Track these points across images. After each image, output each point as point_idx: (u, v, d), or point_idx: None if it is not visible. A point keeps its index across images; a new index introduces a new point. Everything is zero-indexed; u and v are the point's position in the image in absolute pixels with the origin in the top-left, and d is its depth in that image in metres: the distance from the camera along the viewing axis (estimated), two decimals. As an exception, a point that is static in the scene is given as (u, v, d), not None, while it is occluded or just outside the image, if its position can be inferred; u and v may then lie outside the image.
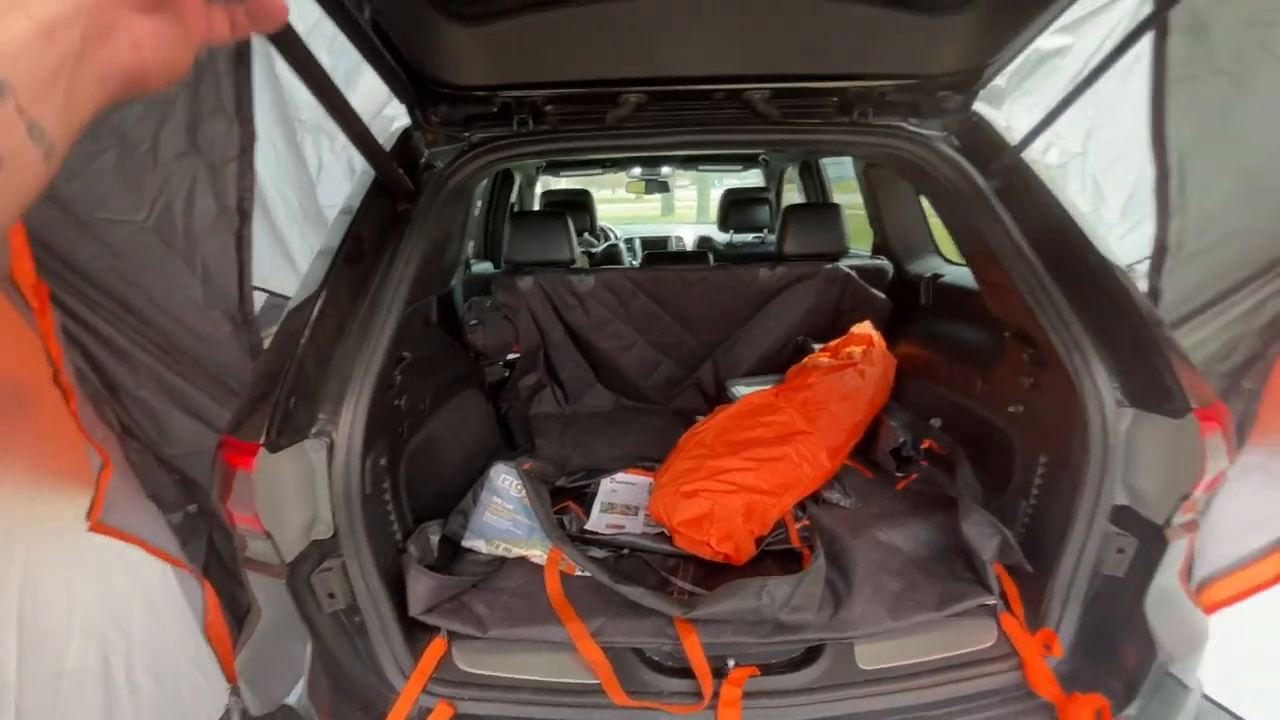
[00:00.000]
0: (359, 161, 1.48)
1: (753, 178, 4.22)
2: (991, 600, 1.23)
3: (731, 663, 1.15)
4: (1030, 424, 1.36)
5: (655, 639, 1.18)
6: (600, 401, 2.29)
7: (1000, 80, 1.41)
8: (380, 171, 1.28)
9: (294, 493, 1.05)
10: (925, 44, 1.29)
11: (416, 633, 1.19)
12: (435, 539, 1.37)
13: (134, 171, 1.16)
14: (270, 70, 1.74)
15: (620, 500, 1.62)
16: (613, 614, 1.20)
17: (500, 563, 1.38)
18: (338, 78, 1.03)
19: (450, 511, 1.43)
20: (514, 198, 3.29)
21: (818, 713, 1.12)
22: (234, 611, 1.49)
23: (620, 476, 1.71)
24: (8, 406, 1.14)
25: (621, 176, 4.59)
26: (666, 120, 1.50)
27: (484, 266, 2.66)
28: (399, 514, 1.32)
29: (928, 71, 1.35)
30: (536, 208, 3.67)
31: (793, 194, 3.60)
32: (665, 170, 4.03)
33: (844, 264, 2.17)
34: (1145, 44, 1.09)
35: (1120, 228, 1.43)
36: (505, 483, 1.43)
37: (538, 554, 1.36)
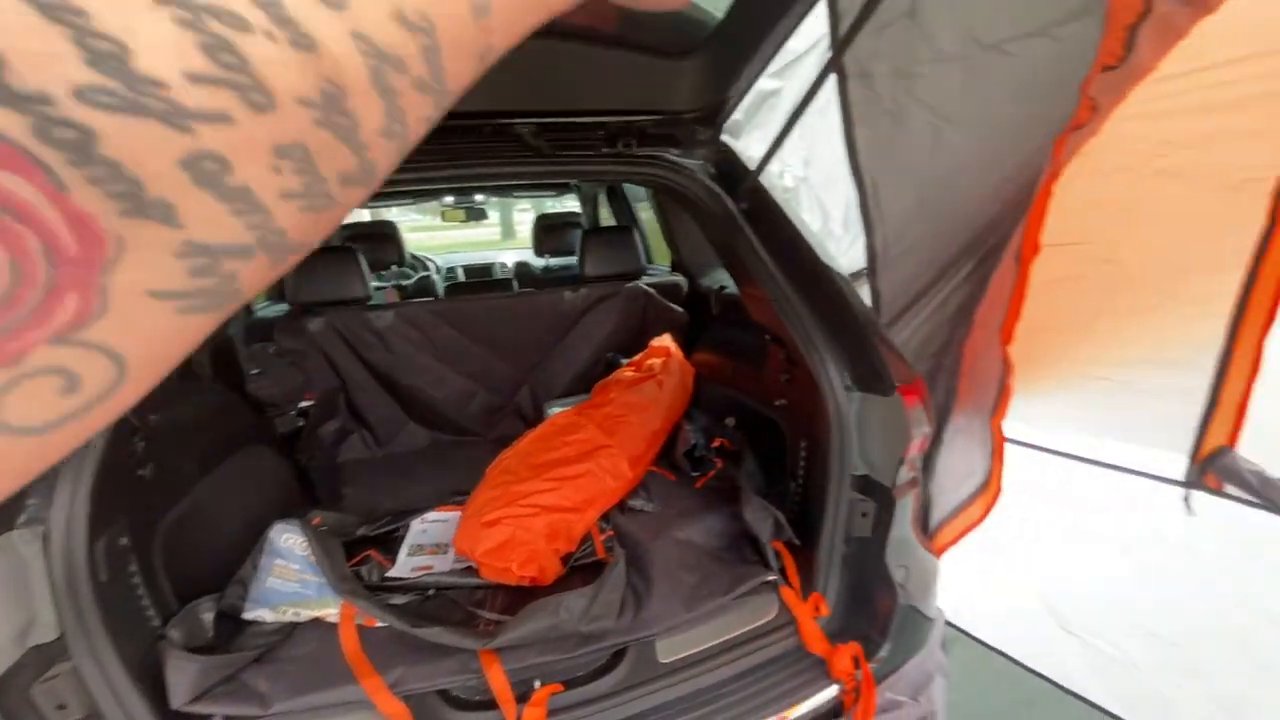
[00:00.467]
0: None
1: (571, 201, 4.35)
2: (772, 576, 1.37)
3: (538, 683, 1.17)
4: (792, 414, 1.54)
5: (459, 676, 1.16)
6: (415, 440, 2.21)
7: (739, 115, 1.61)
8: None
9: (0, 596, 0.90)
10: (667, 84, 1.43)
11: None
12: (209, 617, 1.23)
13: None
14: None
15: (430, 540, 1.58)
16: (413, 660, 1.16)
17: (291, 629, 1.28)
18: None
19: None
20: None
21: (623, 713, 1.17)
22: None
23: (431, 515, 1.66)
24: None
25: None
26: (439, 154, 1.50)
27: (277, 309, 2.45)
28: (155, 597, 1.17)
29: (673, 108, 1.49)
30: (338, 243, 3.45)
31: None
32: (479, 198, 4.00)
33: (643, 281, 2.31)
34: (833, 87, 1.31)
35: (845, 239, 1.70)
36: (288, 542, 1.33)
37: (332, 613, 1.28)
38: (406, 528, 1.61)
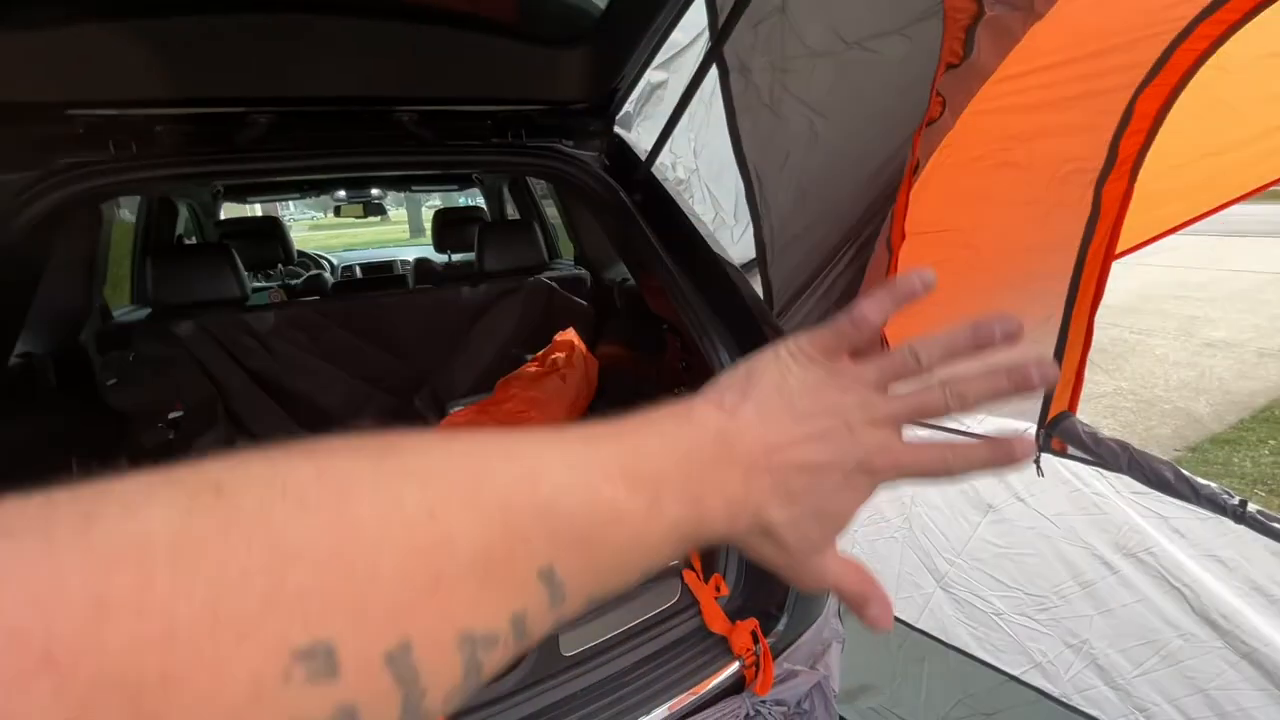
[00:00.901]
0: None
1: (476, 195, 4.23)
2: (674, 561, 1.40)
3: (436, 690, 1.13)
4: (690, 402, 1.57)
5: None
6: (308, 448, 2.08)
7: (630, 107, 1.62)
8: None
9: None
10: (554, 74, 1.42)
11: None
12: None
13: None
14: None
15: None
16: None
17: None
18: None
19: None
20: (183, 230, 2.82)
21: (528, 709, 1.16)
22: None
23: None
24: None
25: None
26: (313, 142, 1.41)
27: (139, 314, 2.23)
28: None
29: (561, 98, 1.48)
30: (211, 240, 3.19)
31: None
32: (375, 192, 3.81)
33: (547, 276, 2.28)
34: (717, 79, 1.34)
35: (737, 229, 1.76)
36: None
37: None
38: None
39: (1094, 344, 1.28)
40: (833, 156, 1.36)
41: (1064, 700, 1.36)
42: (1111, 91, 1.15)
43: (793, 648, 1.39)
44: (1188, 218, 1.48)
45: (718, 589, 1.38)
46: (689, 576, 1.39)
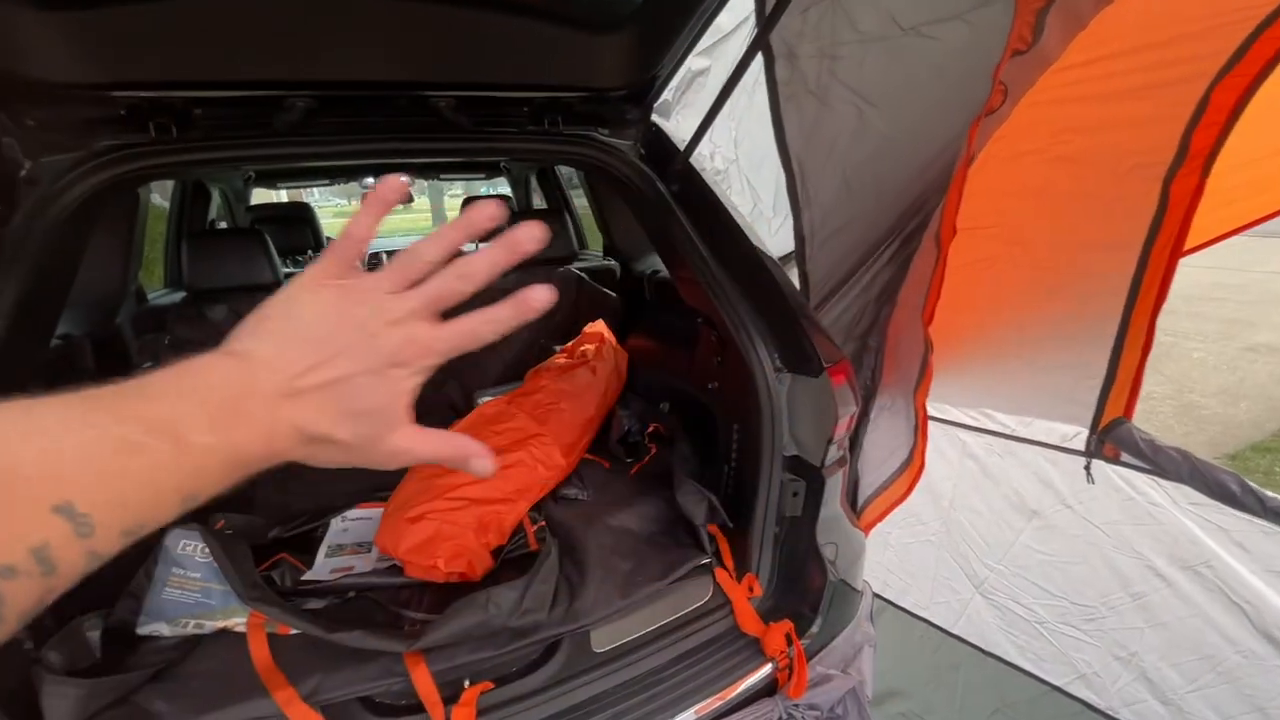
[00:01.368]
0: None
1: (502, 185, 4.21)
2: (706, 560, 1.37)
3: (467, 683, 1.12)
4: (724, 397, 1.54)
5: (383, 681, 1.10)
6: (336, 435, 2.08)
7: (668, 95, 1.58)
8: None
9: None
10: (593, 60, 1.39)
11: None
12: (95, 635, 1.11)
13: None
14: None
15: (351, 539, 1.49)
16: (332, 667, 1.09)
17: (195, 643, 1.17)
18: None
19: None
20: (215, 215, 2.84)
21: (558, 706, 1.14)
22: None
23: (352, 513, 1.57)
24: None
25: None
26: (349, 128, 1.40)
27: (172, 297, 2.25)
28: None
29: (601, 85, 1.45)
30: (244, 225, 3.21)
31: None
32: (404, 179, 3.81)
33: (576, 267, 2.25)
34: (762, 66, 1.30)
35: (775, 221, 1.71)
36: (187, 549, 1.22)
37: (240, 622, 1.18)
38: (325, 527, 1.52)
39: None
40: (881, 147, 1.31)
41: (1110, 713, 1.31)
42: (1184, 82, 1.09)
43: (826, 650, 1.36)
44: (1259, 215, 1.40)
45: (750, 589, 1.36)
46: (721, 576, 1.37)
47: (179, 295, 2.31)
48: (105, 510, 0.29)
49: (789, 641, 1.26)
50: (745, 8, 1.24)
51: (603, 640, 1.24)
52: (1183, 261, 1.23)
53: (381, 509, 1.55)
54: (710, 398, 1.59)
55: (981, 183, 1.29)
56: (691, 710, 1.19)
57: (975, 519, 1.52)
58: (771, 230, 1.68)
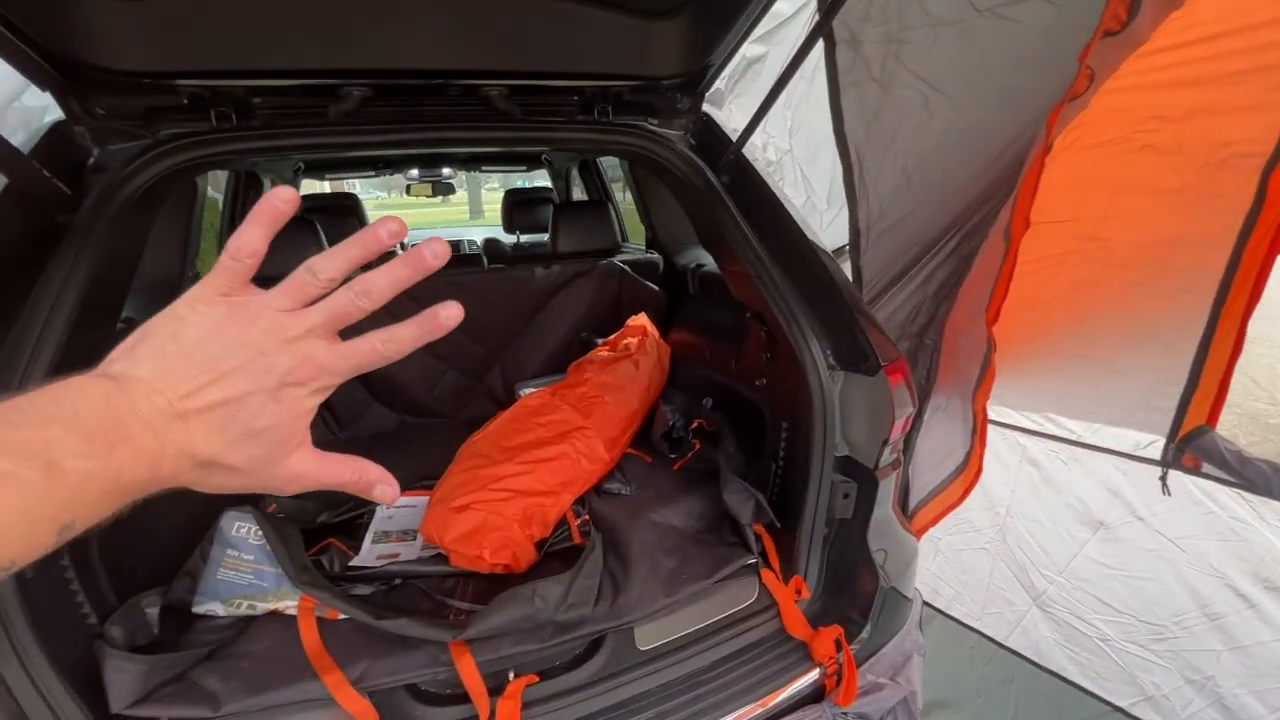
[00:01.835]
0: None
1: (540, 177, 4.22)
2: (752, 559, 1.34)
3: (512, 675, 1.12)
4: (772, 394, 1.50)
5: (429, 669, 1.10)
6: (382, 421, 2.11)
7: (721, 84, 1.55)
8: (12, 174, 1.03)
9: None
10: (646, 47, 1.36)
11: None
12: (154, 612, 1.14)
13: None
14: None
15: (397, 526, 1.50)
16: (379, 654, 1.10)
17: (246, 623, 1.19)
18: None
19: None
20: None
21: (602, 703, 1.13)
22: None
23: (398, 500, 1.59)
24: None
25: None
26: (401, 116, 1.40)
27: None
28: (91, 592, 1.07)
29: (653, 73, 1.42)
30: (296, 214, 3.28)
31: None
32: (446, 171, 3.83)
33: (618, 259, 2.23)
34: (822, 53, 1.25)
35: (829, 214, 1.66)
36: (241, 531, 1.24)
37: (290, 605, 1.20)
38: (371, 514, 1.54)
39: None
40: (947, 136, 1.25)
41: (1179, 739, 1.24)
42: (1289, 65, 1.00)
43: (875, 657, 1.32)
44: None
45: (798, 591, 1.32)
46: (768, 576, 1.33)
47: None
48: None
49: (838, 647, 1.22)
50: (806, -9, 1.19)
51: (647, 638, 1.22)
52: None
53: (425, 497, 1.56)
54: (758, 394, 1.56)
55: (1054, 174, 1.22)
56: (740, 711, 1.17)
57: (1034, 528, 1.45)
58: (824, 223, 1.63)
